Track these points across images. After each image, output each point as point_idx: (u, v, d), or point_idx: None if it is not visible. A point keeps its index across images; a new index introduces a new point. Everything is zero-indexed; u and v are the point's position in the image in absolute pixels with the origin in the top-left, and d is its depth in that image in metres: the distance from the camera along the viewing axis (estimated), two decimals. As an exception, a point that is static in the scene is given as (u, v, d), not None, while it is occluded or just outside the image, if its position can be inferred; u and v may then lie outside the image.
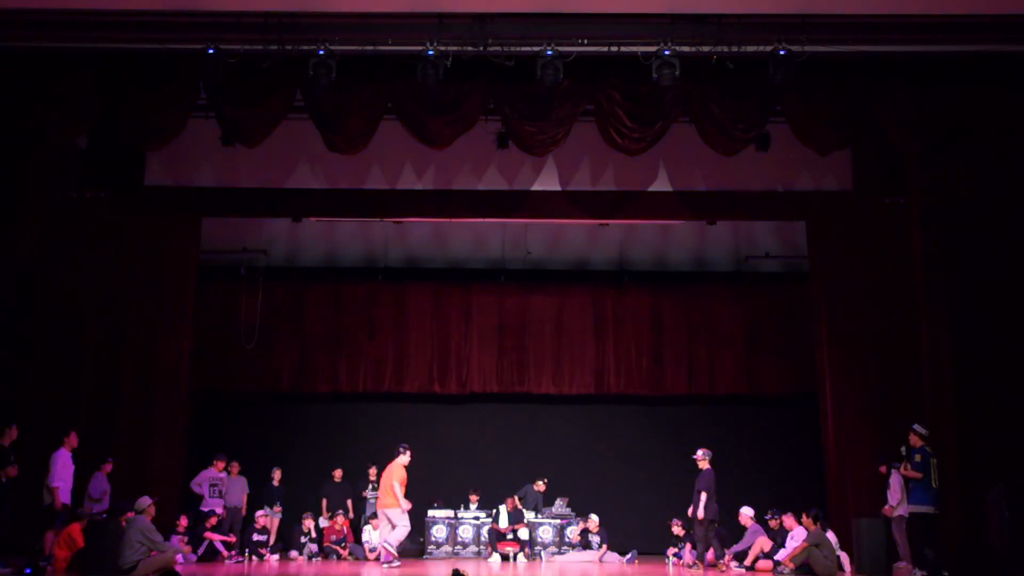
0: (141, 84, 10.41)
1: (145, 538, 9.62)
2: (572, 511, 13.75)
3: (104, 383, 12.34)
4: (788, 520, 11.61)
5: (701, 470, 11.62)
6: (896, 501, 10.90)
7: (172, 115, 10.64)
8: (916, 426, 10.09)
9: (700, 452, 11.75)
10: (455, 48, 9.86)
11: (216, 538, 12.44)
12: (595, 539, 13.31)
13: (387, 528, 11.17)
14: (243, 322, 14.54)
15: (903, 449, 10.16)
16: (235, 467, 13.12)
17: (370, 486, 13.72)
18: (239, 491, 13.07)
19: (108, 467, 11.52)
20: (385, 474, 11.34)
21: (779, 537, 11.71)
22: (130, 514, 10.08)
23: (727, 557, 11.98)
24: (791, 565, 10.71)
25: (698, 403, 15.05)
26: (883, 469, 11.44)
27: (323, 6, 9.92)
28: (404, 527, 11.10)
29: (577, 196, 12.59)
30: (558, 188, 12.58)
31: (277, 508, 13.36)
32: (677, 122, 11.08)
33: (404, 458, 11.34)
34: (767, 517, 12.16)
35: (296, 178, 12.64)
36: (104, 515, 10.68)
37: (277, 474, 13.54)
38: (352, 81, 10.34)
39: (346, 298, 15.13)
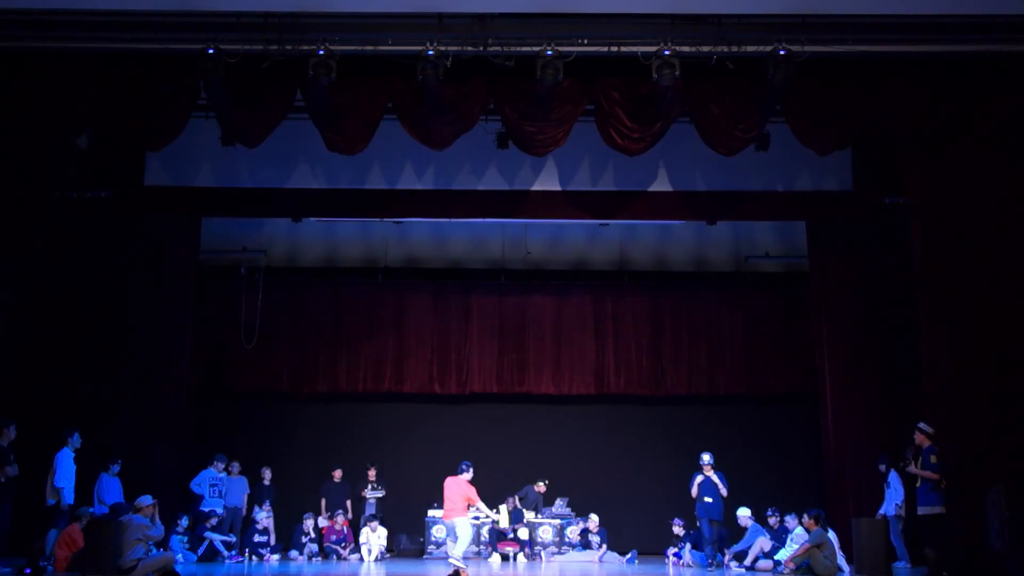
0: (141, 84, 10.40)
1: (142, 533, 9.60)
2: (572, 511, 13.75)
3: (104, 383, 12.35)
4: (789, 520, 11.62)
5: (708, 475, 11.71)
6: (901, 500, 10.92)
7: (172, 115, 10.63)
8: (922, 424, 10.07)
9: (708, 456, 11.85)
10: (455, 48, 9.85)
11: (216, 538, 12.44)
12: (595, 539, 13.32)
13: (451, 543, 11.39)
14: (243, 322, 14.53)
15: (910, 450, 10.14)
16: (235, 467, 13.12)
17: (369, 487, 13.71)
18: (239, 491, 13.08)
19: (116, 468, 11.54)
20: (450, 489, 11.43)
21: (779, 537, 11.72)
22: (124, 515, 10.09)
23: (727, 557, 11.98)
24: (792, 565, 10.72)
25: (698, 403, 15.05)
26: (883, 468, 11.45)
27: (323, 6, 9.91)
28: (466, 538, 11.29)
29: (577, 196, 12.58)
30: (558, 188, 12.57)
31: (267, 507, 13.32)
32: (677, 122, 11.08)
33: (468, 475, 11.48)
34: (767, 515, 12.15)
35: (296, 178, 12.63)
36: (106, 515, 10.68)
37: (267, 473, 13.53)
38: (352, 81, 10.33)
39: (346, 298, 15.13)
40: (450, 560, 11.16)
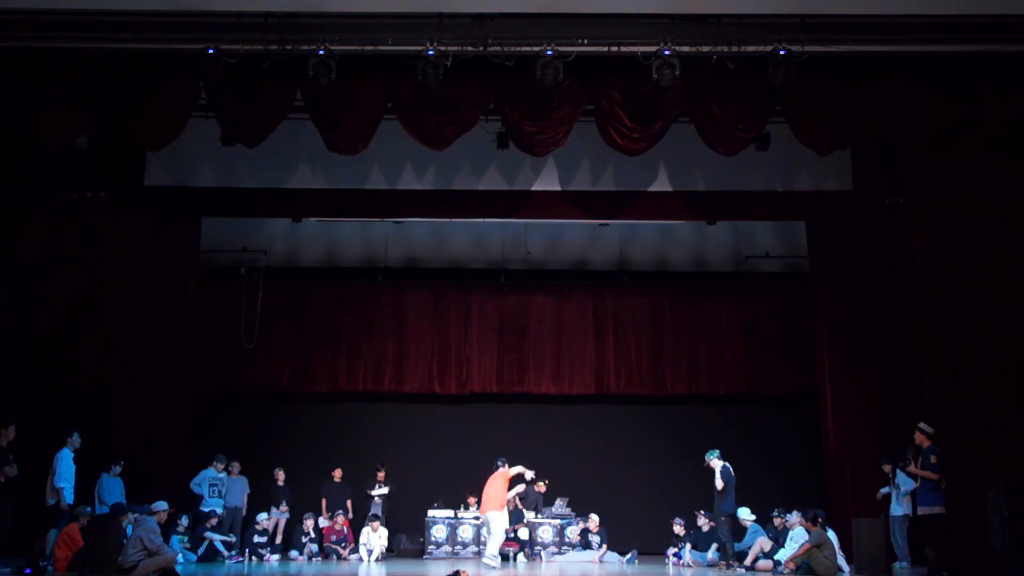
0: (141, 84, 10.40)
1: (147, 539, 9.62)
2: (572, 511, 13.75)
3: (104, 383, 12.34)
4: (790, 519, 11.62)
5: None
6: (908, 490, 10.90)
7: (172, 115, 10.62)
8: (922, 424, 10.07)
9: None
10: (455, 48, 9.85)
11: (216, 538, 12.44)
12: (595, 539, 13.31)
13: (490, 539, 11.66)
14: (243, 322, 14.54)
15: (910, 450, 10.15)
16: (235, 467, 13.12)
17: (377, 486, 13.72)
18: (239, 491, 13.07)
19: (117, 468, 11.55)
20: (487, 485, 11.68)
21: (780, 537, 11.72)
22: (136, 514, 10.11)
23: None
24: (792, 565, 10.72)
25: (698, 403, 15.05)
26: (887, 469, 11.43)
27: (323, 6, 9.91)
28: (499, 534, 11.49)
29: (577, 196, 12.58)
30: (558, 188, 12.57)
31: (283, 508, 13.38)
32: (677, 122, 11.07)
33: (503, 470, 11.75)
34: (773, 516, 12.14)
35: (296, 178, 12.64)
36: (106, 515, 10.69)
37: (280, 475, 13.55)
38: (352, 81, 10.33)
39: (346, 298, 15.14)
40: (484, 560, 11.18)
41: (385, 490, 13.69)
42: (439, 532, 13.39)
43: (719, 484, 11.42)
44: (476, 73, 10.34)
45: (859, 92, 10.48)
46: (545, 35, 9.82)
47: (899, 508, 11.22)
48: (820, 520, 10.89)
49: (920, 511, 10.06)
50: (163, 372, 12.75)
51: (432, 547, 13.36)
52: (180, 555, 11.47)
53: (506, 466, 11.81)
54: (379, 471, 13.76)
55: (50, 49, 10.11)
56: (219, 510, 12.59)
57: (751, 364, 14.93)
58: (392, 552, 13.59)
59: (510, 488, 11.97)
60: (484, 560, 11.40)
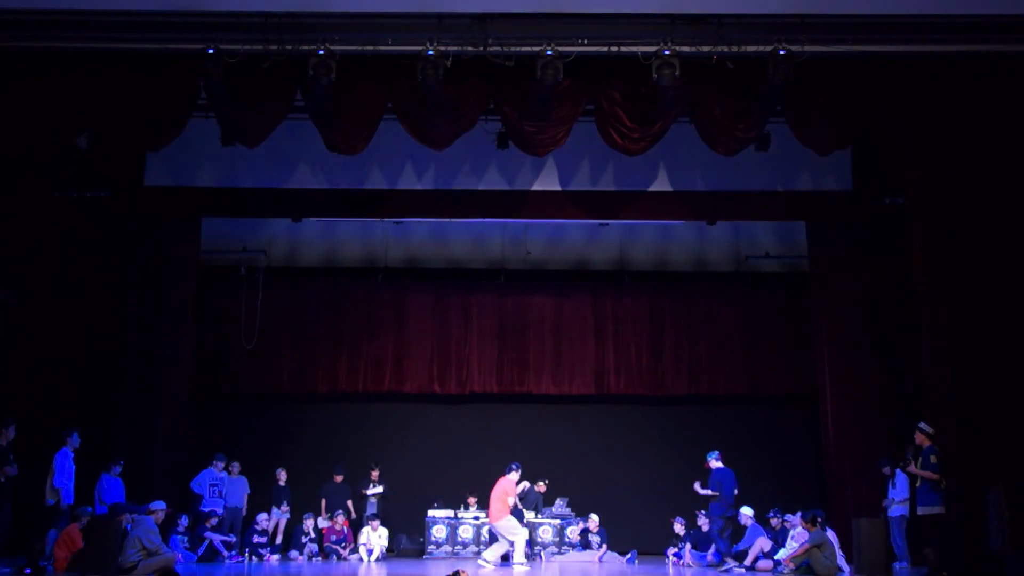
0: (141, 84, 10.39)
1: (146, 539, 9.62)
2: (572, 511, 13.75)
3: (104, 383, 12.35)
4: (791, 520, 11.62)
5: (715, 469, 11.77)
6: (902, 498, 10.91)
7: (172, 115, 10.61)
8: (922, 424, 10.08)
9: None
10: (455, 48, 9.85)
11: (216, 538, 12.44)
12: (595, 539, 13.31)
13: (502, 544, 11.59)
14: (243, 322, 14.54)
15: (910, 450, 10.16)
16: (236, 467, 13.13)
17: (371, 485, 13.72)
18: (240, 491, 13.08)
19: (117, 468, 11.55)
20: (493, 493, 11.67)
21: (780, 537, 11.72)
22: (133, 514, 10.11)
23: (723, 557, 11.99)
24: (792, 565, 10.72)
25: (698, 403, 15.05)
26: (887, 471, 11.43)
27: (323, 6, 9.92)
28: (521, 536, 11.49)
29: (577, 196, 12.58)
30: (558, 188, 12.57)
31: (284, 508, 13.39)
32: (677, 122, 11.07)
33: (515, 475, 11.75)
34: (769, 516, 12.15)
35: (296, 178, 12.64)
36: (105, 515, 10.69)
37: (283, 475, 13.56)
38: (352, 81, 10.32)
39: (346, 298, 15.14)
40: (514, 566, 11.17)
41: (380, 489, 13.70)
42: (439, 532, 13.40)
43: (710, 489, 11.58)
44: (476, 73, 10.33)
45: (859, 92, 10.47)
46: (545, 35, 9.81)
47: (899, 508, 11.23)
48: (820, 520, 10.89)
49: (920, 511, 10.06)
50: (163, 372, 12.75)
51: (432, 547, 13.37)
52: (180, 555, 11.47)
53: (517, 474, 11.81)
54: (373, 470, 13.77)
55: (50, 49, 10.11)
56: (219, 510, 12.60)
57: (751, 364, 14.92)
58: (392, 552, 13.59)
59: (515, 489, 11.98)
60: (514, 565, 11.38)
